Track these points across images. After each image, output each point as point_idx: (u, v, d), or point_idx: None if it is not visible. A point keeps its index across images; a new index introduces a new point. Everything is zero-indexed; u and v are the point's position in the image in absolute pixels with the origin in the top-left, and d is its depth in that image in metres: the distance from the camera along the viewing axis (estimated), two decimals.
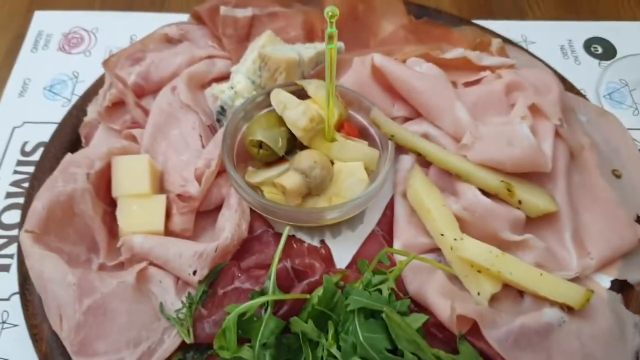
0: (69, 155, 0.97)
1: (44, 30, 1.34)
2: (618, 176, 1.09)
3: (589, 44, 1.39)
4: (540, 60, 1.26)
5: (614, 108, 1.26)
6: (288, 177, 0.94)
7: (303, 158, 0.95)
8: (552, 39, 1.39)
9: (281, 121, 0.98)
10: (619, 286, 0.98)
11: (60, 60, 1.29)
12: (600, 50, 1.38)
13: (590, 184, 1.05)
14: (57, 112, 1.17)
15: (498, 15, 1.43)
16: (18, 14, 1.38)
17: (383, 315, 0.78)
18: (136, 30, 1.34)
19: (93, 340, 0.83)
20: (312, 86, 1.01)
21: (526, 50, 1.29)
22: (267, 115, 1.00)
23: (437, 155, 0.98)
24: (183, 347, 0.87)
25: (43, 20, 1.36)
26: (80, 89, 1.22)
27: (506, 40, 1.28)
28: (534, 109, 1.04)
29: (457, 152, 0.99)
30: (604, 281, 0.98)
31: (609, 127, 1.16)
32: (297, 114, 0.96)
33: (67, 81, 1.26)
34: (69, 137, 1.10)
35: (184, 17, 1.30)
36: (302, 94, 1.01)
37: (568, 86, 1.23)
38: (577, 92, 1.23)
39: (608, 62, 1.35)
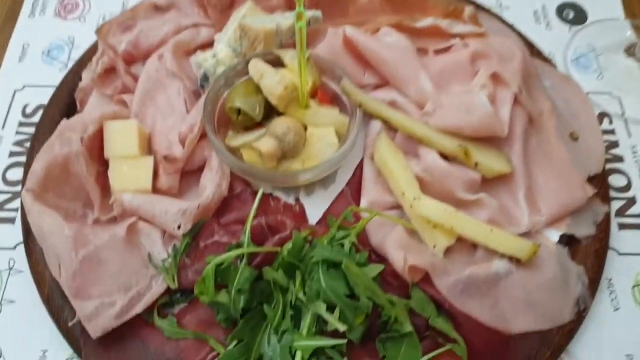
0: (64, 121, 1.06)
1: None
2: (575, 139, 1.17)
3: (561, 9, 1.44)
4: (511, 26, 1.33)
5: (579, 73, 1.33)
6: (264, 141, 1.03)
7: (278, 124, 1.04)
8: (525, 4, 1.44)
9: (259, 89, 1.06)
10: (567, 240, 1.07)
11: (57, 26, 1.37)
12: (571, 15, 1.43)
13: (546, 146, 1.14)
14: (55, 76, 1.25)
15: None
16: None
17: (343, 266, 0.89)
18: None
19: (88, 285, 0.93)
20: (288, 55, 1.09)
21: (498, 17, 1.35)
22: (245, 84, 1.08)
23: (400, 122, 1.06)
24: (169, 292, 0.98)
25: None
26: (76, 54, 1.29)
27: (479, 7, 1.35)
28: (496, 77, 1.11)
29: (420, 118, 1.07)
30: (553, 235, 1.07)
31: (570, 92, 1.24)
32: (273, 82, 1.04)
33: (64, 46, 1.33)
34: (65, 101, 1.19)
35: None
36: (279, 63, 1.10)
37: (535, 52, 1.30)
38: (544, 58, 1.30)
39: (578, 27, 1.41)
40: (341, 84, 1.08)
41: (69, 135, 1.02)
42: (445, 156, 1.05)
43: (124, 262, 0.96)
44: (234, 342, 0.92)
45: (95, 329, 0.92)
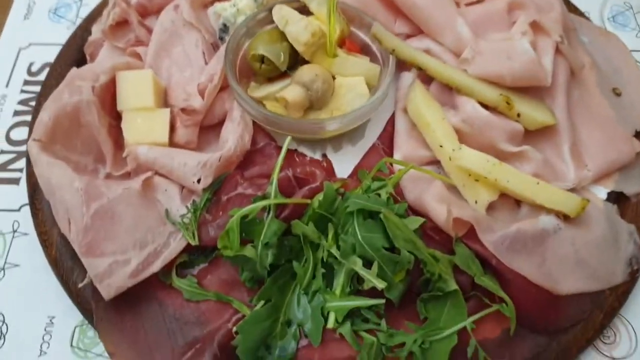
0: (74, 69, 0.98)
1: None
2: (618, 94, 1.10)
3: None
4: None
5: (617, 30, 1.26)
6: (290, 90, 0.96)
7: (305, 71, 0.96)
8: None
9: (283, 37, 0.99)
10: (616, 198, 1.00)
11: None
12: None
13: (589, 101, 1.06)
14: (62, 34, 1.18)
15: None
16: None
17: (381, 216, 0.81)
18: None
19: (101, 241, 0.85)
20: (314, 3, 1.01)
21: None
22: (269, 32, 1.01)
23: (437, 69, 0.99)
24: (188, 249, 0.90)
25: None
26: (85, 12, 1.22)
27: None
28: (535, 26, 1.04)
29: (457, 66, 0.99)
30: (601, 192, 1.00)
31: (611, 47, 1.17)
32: (299, 28, 0.97)
33: (72, 4, 1.26)
34: (74, 56, 1.11)
35: None
36: (304, 11, 1.02)
37: (571, 8, 1.23)
38: (580, 14, 1.22)
39: None
40: (372, 29, 1.00)
41: (80, 84, 0.94)
42: (485, 106, 0.97)
43: (140, 217, 0.88)
44: (261, 303, 0.84)
45: (108, 290, 0.84)
